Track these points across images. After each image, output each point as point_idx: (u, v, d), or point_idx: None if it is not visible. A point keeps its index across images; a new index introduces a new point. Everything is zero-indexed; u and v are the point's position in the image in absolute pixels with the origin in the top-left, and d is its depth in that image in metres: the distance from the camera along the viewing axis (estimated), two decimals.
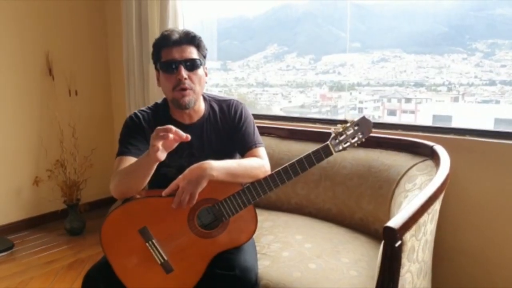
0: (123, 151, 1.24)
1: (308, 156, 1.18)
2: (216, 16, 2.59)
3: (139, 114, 1.31)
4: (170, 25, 2.20)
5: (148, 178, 1.14)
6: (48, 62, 2.60)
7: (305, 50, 2.34)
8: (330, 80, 2.27)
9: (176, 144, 1.08)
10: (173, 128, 1.04)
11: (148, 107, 1.36)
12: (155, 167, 1.11)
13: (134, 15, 2.34)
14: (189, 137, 1.05)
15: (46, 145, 2.65)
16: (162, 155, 1.05)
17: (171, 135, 1.03)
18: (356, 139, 1.21)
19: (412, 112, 2.06)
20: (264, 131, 1.87)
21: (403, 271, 0.97)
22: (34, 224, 2.69)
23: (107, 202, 2.85)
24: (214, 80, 2.73)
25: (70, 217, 2.57)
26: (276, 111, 2.49)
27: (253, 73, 2.59)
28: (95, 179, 2.73)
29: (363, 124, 1.20)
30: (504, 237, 1.49)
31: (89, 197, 2.78)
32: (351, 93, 2.21)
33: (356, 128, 1.20)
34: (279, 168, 1.19)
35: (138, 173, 1.13)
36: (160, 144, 1.04)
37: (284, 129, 1.85)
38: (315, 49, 2.29)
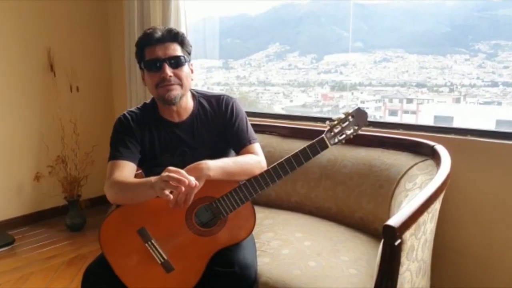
0: (115, 155, 1.23)
1: (303, 150, 1.18)
2: (218, 14, 2.59)
3: (127, 115, 1.31)
4: (172, 24, 2.21)
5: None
6: (49, 58, 2.61)
7: (307, 49, 2.34)
8: (332, 80, 2.27)
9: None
10: (186, 180, 1.04)
11: (137, 107, 1.35)
12: None
13: (136, 13, 2.34)
14: (198, 184, 1.07)
15: (47, 141, 2.66)
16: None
17: (183, 188, 1.03)
18: (352, 131, 1.20)
19: (414, 112, 2.06)
20: (265, 129, 1.87)
21: (402, 269, 0.98)
22: (34, 219, 2.70)
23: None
24: (215, 79, 2.73)
25: (71, 213, 2.58)
26: (277, 110, 2.49)
27: (255, 72, 2.59)
28: (96, 175, 2.74)
29: (358, 115, 1.20)
30: (504, 237, 1.48)
31: (90, 194, 2.79)
32: (352, 93, 2.21)
33: (351, 119, 1.20)
34: (275, 164, 1.19)
35: (138, 198, 1.15)
36: (168, 192, 1.04)
37: (286, 127, 1.85)
38: (317, 49, 2.29)
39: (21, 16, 2.51)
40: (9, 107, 2.54)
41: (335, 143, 1.19)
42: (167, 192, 1.04)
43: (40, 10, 2.58)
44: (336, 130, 1.19)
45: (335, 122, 1.20)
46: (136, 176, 1.28)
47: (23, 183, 2.64)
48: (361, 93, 2.18)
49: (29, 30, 2.55)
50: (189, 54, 1.30)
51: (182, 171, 1.05)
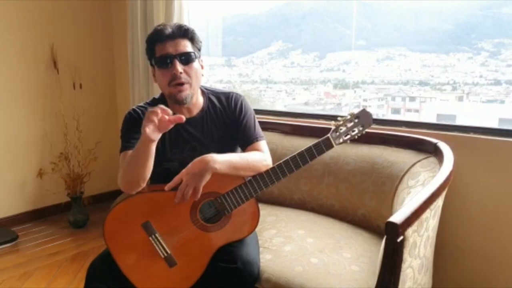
0: (126, 146, 1.24)
1: (309, 149, 1.19)
2: (221, 12, 2.59)
3: (137, 109, 1.31)
4: (175, 21, 2.21)
5: (150, 163, 1.13)
6: (53, 55, 2.62)
7: (309, 47, 2.34)
8: (334, 78, 2.27)
9: (171, 125, 1.07)
10: (160, 109, 1.05)
11: (146, 102, 1.36)
12: (153, 149, 1.11)
13: (140, 12, 2.35)
14: (182, 118, 1.07)
15: (50, 137, 2.67)
16: (153, 135, 1.06)
17: (159, 117, 1.04)
18: (356, 131, 1.22)
19: (416, 111, 2.06)
20: (267, 127, 1.87)
21: (404, 266, 0.98)
22: (38, 216, 2.71)
23: (111, 196, 2.87)
24: (218, 76, 2.73)
25: (74, 209, 2.59)
26: (280, 108, 2.49)
27: (257, 70, 2.59)
28: (99, 172, 2.75)
29: (363, 116, 1.21)
30: (506, 235, 1.49)
31: (93, 190, 2.80)
32: (355, 91, 2.21)
33: (356, 120, 1.21)
34: (281, 161, 1.20)
35: (138, 158, 1.13)
36: (150, 125, 1.04)
37: (288, 124, 1.85)
38: (320, 47, 2.29)
39: (25, 13, 2.51)
40: (12, 104, 2.54)
41: (340, 143, 1.21)
42: (150, 126, 1.04)
43: (45, 7, 2.58)
44: (341, 130, 1.21)
45: (341, 122, 1.21)
46: None
47: (26, 179, 2.65)
48: (364, 91, 2.18)
49: (33, 26, 2.55)
50: (199, 50, 1.30)
51: (158, 109, 1.06)
